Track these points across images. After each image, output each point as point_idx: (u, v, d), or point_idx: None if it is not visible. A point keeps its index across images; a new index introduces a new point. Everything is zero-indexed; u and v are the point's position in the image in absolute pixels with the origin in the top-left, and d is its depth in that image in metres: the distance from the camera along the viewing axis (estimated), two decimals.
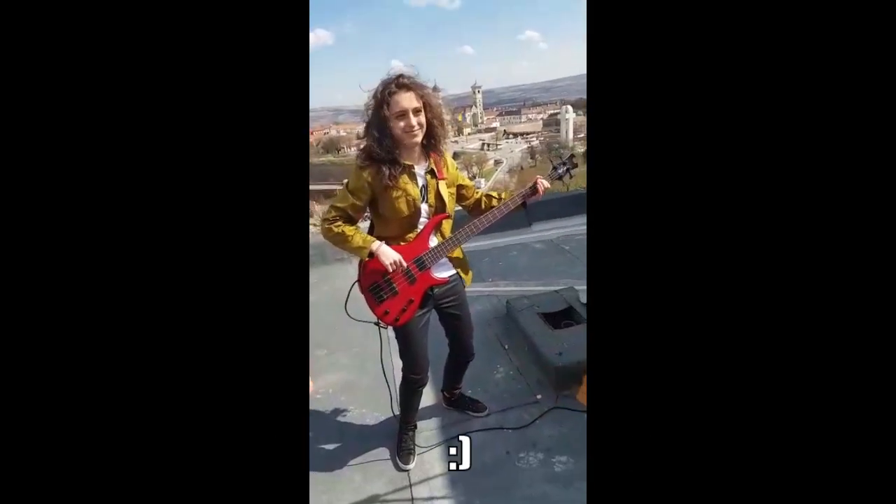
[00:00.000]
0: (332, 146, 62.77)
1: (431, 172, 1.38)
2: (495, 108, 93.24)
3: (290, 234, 0.57)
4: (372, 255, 1.35)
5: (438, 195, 1.38)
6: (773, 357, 0.55)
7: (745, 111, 0.54)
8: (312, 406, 2.05)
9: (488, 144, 66.30)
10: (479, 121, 79.60)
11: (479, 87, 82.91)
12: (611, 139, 0.59)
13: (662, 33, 0.55)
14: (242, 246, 0.53)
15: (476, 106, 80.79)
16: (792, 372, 0.54)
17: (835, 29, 0.49)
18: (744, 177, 0.55)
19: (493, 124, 78.16)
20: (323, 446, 1.79)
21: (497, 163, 57.28)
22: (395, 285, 1.39)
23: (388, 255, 1.34)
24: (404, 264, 1.35)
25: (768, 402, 0.55)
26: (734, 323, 0.56)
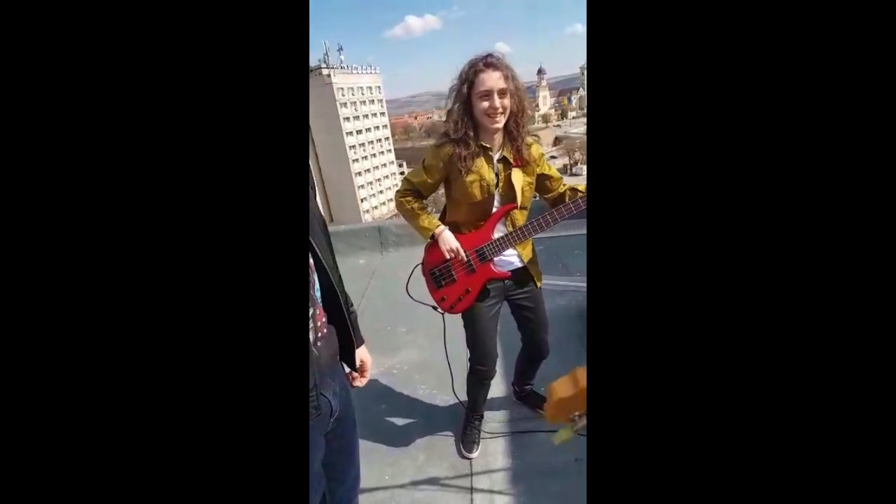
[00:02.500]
0: (434, 130, 64.47)
1: (504, 161, 1.31)
2: None
3: (289, 237, 0.52)
4: (434, 238, 1.34)
5: (510, 184, 1.31)
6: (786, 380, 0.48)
7: (754, 114, 0.48)
8: (389, 381, 2.16)
9: None
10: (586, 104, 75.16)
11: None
12: (614, 137, 0.51)
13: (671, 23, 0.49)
14: (238, 248, 0.49)
15: (583, 88, 76.22)
16: (806, 409, 0.47)
17: (842, 27, 0.45)
18: (753, 182, 0.48)
19: None
20: (394, 420, 1.87)
21: None
22: (453, 273, 1.37)
23: (448, 241, 1.32)
24: (462, 254, 1.32)
25: (784, 428, 0.49)
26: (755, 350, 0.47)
